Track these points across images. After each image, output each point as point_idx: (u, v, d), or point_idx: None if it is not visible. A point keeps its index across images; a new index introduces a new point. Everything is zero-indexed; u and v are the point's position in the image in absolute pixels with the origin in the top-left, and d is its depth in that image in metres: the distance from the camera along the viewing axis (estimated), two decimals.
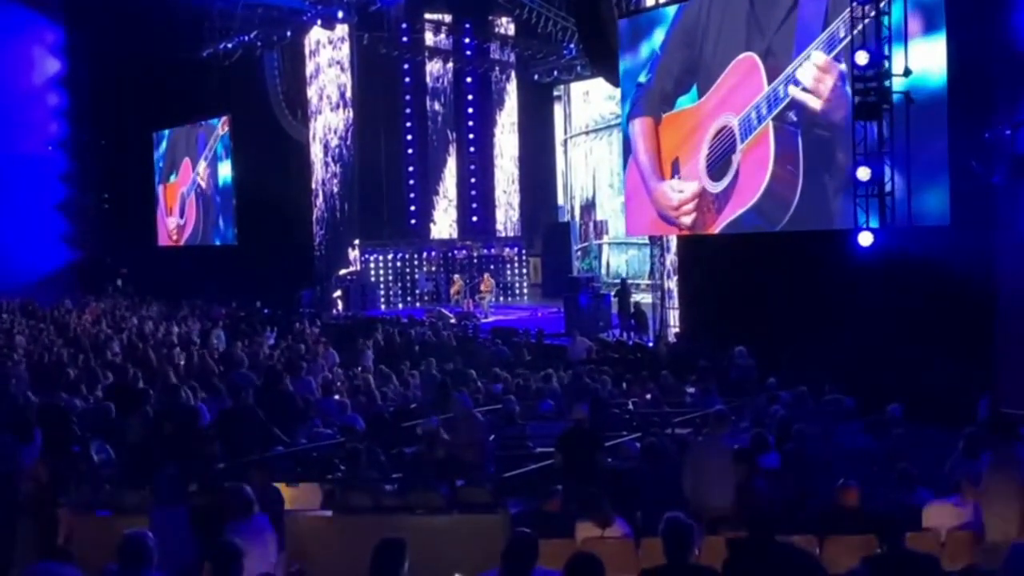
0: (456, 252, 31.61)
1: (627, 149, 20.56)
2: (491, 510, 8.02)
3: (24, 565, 6.00)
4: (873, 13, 14.73)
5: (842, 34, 15.52)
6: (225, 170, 35.54)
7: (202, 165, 37.19)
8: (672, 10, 19.58)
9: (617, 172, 26.74)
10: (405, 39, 30.24)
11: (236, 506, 6.77)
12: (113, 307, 28.79)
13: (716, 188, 18.14)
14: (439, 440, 9.77)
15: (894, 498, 7.78)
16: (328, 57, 29.74)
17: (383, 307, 29.52)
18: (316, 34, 29.72)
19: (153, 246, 40.37)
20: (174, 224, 39.32)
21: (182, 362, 17.03)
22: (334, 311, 28.02)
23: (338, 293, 29.05)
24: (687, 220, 18.76)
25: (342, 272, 29.58)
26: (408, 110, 31.76)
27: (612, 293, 24.16)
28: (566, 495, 7.96)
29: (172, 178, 39.45)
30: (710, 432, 8.94)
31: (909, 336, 14.24)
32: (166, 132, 39.86)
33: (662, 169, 19.27)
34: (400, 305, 30.24)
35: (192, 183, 37.79)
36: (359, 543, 7.16)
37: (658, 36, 19.40)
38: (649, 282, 24.21)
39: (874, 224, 14.92)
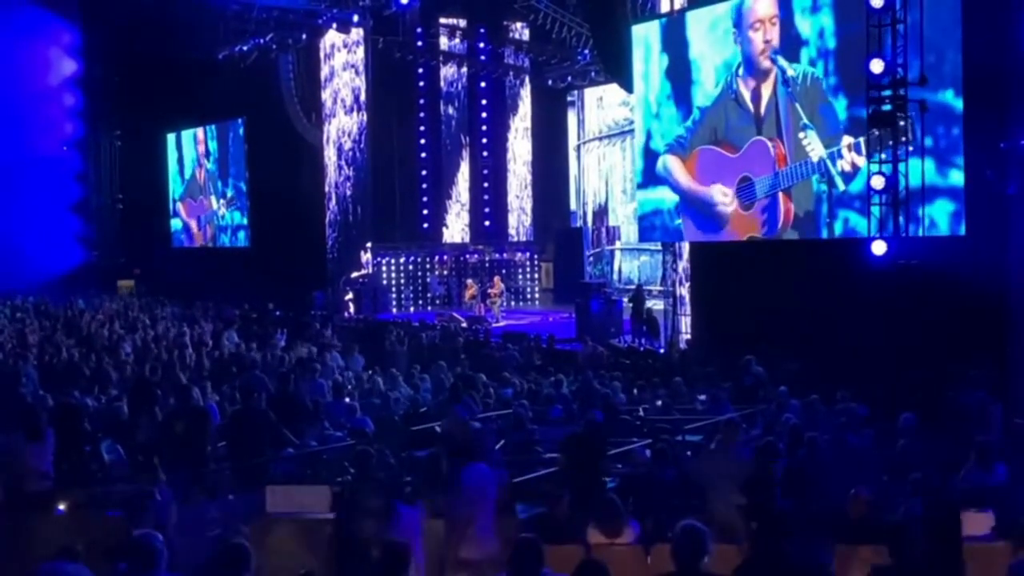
0: (468, 256, 31.63)
1: (650, 173, 20.74)
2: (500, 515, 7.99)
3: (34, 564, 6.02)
4: (889, 21, 14.70)
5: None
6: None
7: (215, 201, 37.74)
8: (691, 16, 19.60)
9: (630, 178, 26.74)
10: (420, 43, 30.28)
11: None
12: (125, 308, 28.86)
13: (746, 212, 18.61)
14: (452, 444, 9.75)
15: (906, 508, 7.74)
16: (343, 60, 29.82)
17: (395, 310, 29.55)
18: (331, 37, 29.81)
19: (167, 247, 40.58)
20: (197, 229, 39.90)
21: (193, 363, 17.06)
22: (346, 314, 28.05)
23: (349, 295, 29.08)
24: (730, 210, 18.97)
25: (354, 275, 29.62)
26: (422, 114, 31.79)
27: (626, 299, 24.12)
28: (573, 500, 7.93)
29: (190, 198, 39.98)
30: (722, 440, 8.91)
31: (922, 345, 14.18)
32: (181, 133, 40.09)
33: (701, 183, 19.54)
34: (412, 308, 30.26)
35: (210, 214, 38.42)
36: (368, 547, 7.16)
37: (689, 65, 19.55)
38: (661, 288, 24.17)
39: (888, 233, 14.86)
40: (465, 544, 7.00)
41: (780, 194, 17.77)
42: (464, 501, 7.16)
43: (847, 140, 16.21)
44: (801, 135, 17.25)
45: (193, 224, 40.12)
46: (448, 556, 7.00)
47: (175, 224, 41.25)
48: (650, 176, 20.81)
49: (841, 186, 16.59)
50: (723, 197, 18.81)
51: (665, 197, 20.43)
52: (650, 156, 20.70)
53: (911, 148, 14.84)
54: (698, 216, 19.71)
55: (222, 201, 37.65)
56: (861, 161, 15.72)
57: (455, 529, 7.07)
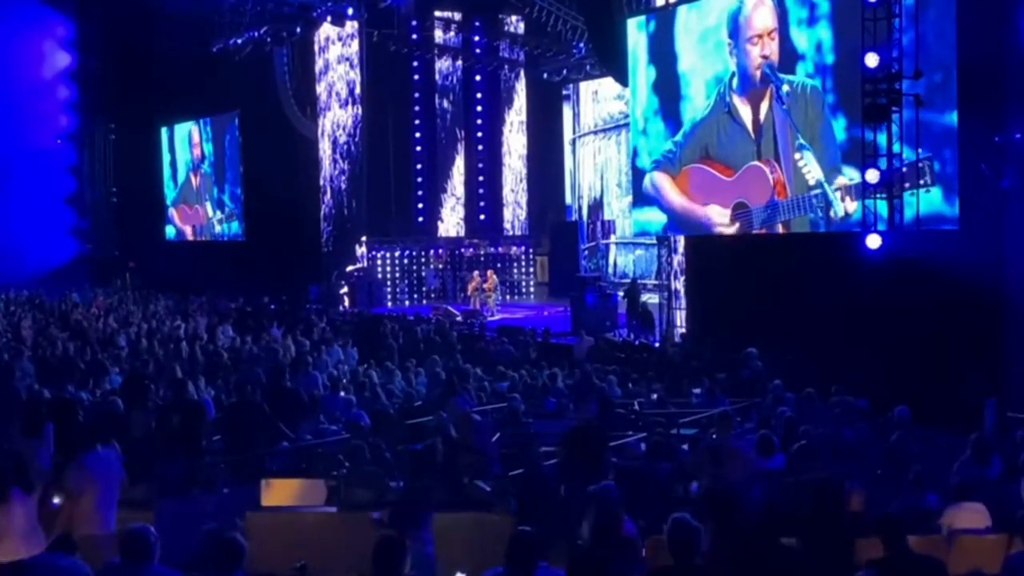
0: (463, 250, 31.61)
1: (639, 192, 20.60)
2: (495, 508, 8.01)
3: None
4: (884, 15, 14.68)
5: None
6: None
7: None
8: (682, 10, 19.53)
9: (625, 172, 26.71)
10: (415, 36, 30.23)
11: None
12: (120, 301, 28.81)
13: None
14: (448, 437, 9.77)
15: (902, 501, 7.74)
16: (338, 53, 29.75)
17: (390, 304, 29.51)
18: (326, 30, 29.73)
19: (161, 240, 40.48)
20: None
21: (188, 357, 17.03)
22: (340, 307, 28.01)
23: (345, 289, 29.04)
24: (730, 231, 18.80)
25: (349, 268, 29.58)
26: (417, 107, 31.75)
27: (621, 292, 24.12)
28: (571, 493, 7.93)
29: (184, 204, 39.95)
30: (716, 433, 8.92)
31: (917, 339, 14.20)
32: (174, 130, 39.94)
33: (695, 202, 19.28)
34: (407, 302, 30.23)
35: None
36: (363, 539, 7.17)
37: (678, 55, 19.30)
38: (656, 282, 24.17)
39: (882, 227, 14.86)
40: (86, 521, 7.30)
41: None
42: (88, 479, 7.48)
43: (842, 180, 15.96)
44: (797, 156, 16.83)
45: (188, 231, 40.01)
46: (74, 531, 7.15)
47: (169, 231, 41.03)
48: (640, 195, 20.63)
49: (840, 211, 16.26)
50: (721, 218, 18.47)
51: (652, 219, 20.29)
52: (639, 174, 20.47)
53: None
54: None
55: (217, 211, 37.51)
56: (853, 207, 15.59)
57: (77, 505, 7.40)
